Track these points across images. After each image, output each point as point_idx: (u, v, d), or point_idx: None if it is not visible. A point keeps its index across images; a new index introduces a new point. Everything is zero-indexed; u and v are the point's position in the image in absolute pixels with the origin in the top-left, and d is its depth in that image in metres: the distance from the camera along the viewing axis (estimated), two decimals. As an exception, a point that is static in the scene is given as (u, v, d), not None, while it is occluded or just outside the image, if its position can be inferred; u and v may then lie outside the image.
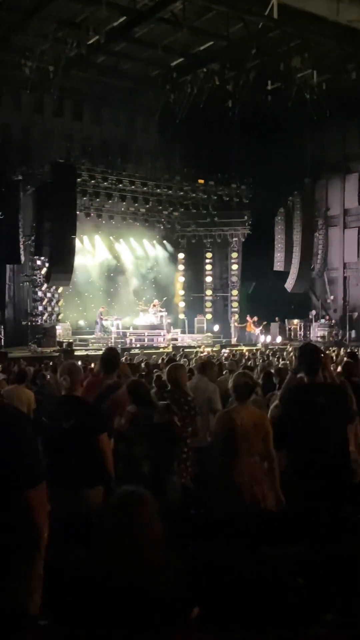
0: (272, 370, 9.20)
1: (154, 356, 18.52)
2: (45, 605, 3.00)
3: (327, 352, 13.89)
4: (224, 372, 10.23)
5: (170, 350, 21.94)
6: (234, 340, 26.60)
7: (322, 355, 4.84)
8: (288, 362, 12.87)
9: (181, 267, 30.11)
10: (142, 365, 12.96)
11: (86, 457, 4.43)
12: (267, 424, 4.70)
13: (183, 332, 27.26)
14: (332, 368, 5.65)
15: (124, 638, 2.32)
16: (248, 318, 27.20)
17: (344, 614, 2.68)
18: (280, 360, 15.61)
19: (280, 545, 3.58)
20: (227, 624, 2.44)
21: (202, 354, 18.67)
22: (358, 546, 3.63)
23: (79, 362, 11.48)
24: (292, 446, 4.59)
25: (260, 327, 26.87)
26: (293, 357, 11.63)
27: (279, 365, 11.10)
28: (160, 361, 14.63)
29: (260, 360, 15.93)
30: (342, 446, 4.51)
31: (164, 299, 28.00)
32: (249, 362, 14.82)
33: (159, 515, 2.48)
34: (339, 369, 7.64)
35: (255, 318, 27.07)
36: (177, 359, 14.87)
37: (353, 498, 4.42)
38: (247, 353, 19.89)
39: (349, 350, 14.93)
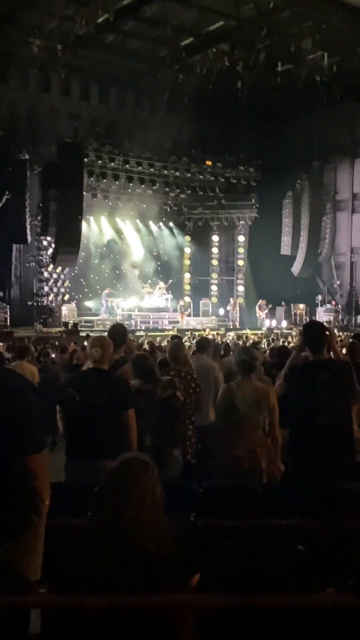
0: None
1: (158, 338, 18.54)
2: (46, 573, 3.02)
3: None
4: (230, 353, 10.24)
5: (175, 332, 21.96)
6: (232, 324, 26.51)
7: (327, 332, 4.82)
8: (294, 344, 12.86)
9: (187, 249, 30.03)
10: (145, 345, 12.96)
11: (111, 430, 4.45)
12: (270, 398, 4.70)
13: (188, 315, 27.29)
14: (337, 347, 5.62)
15: (126, 602, 2.33)
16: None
17: (345, 589, 2.68)
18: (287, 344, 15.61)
19: (279, 517, 3.59)
20: (227, 589, 2.45)
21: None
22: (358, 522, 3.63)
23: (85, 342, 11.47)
24: (294, 422, 4.59)
25: (266, 311, 26.83)
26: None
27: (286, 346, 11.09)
28: (165, 342, 14.65)
29: (266, 344, 15.96)
30: (345, 422, 4.50)
31: (170, 281, 28.00)
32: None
33: (159, 482, 2.49)
34: (344, 350, 7.62)
35: (261, 302, 27.03)
36: (184, 341, 14.88)
37: (354, 474, 4.41)
38: (253, 337, 19.92)
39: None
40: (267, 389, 4.88)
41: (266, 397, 4.68)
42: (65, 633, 2.40)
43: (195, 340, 10.04)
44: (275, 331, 23.81)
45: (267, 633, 2.43)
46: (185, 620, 2.31)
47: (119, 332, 5.88)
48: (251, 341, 17.03)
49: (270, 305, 26.84)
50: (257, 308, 27.15)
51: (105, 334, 5.81)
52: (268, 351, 10.39)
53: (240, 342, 15.69)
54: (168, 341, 15.10)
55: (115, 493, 2.43)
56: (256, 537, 3.15)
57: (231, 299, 28.48)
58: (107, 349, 4.68)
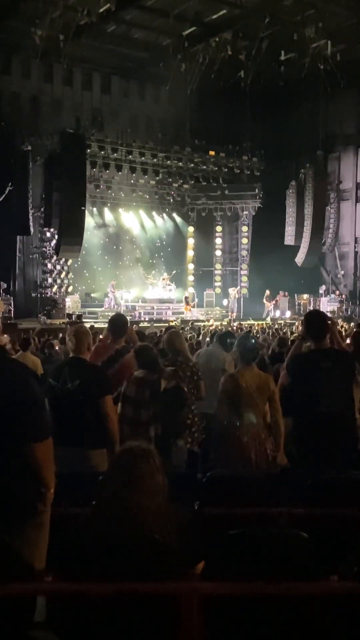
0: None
1: (162, 329, 18.51)
2: (51, 561, 3.03)
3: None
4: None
5: (179, 323, 21.94)
6: (230, 315, 26.36)
7: (329, 322, 4.82)
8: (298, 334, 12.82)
9: (191, 240, 29.95)
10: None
11: (90, 418, 4.46)
12: (272, 385, 4.72)
13: (193, 306, 27.23)
14: (339, 336, 5.62)
15: (130, 590, 2.34)
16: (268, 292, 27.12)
17: (349, 576, 2.69)
18: (290, 334, 15.60)
19: (283, 505, 3.60)
20: (232, 577, 2.46)
21: (210, 328, 18.65)
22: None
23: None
24: (297, 410, 4.60)
25: (273, 302, 26.75)
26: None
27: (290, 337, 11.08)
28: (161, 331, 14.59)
29: (270, 334, 15.94)
30: (347, 410, 4.51)
31: (173, 272, 27.95)
32: (257, 336, 14.82)
33: (162, 469, 2.50)
34: (348, 340, 7.61)
35: (268, 292, 26.96)
36: (185, 330, 14.86)
37: (357, 462, 4.42)
38: (256, 327, 19.89)
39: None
40: (268, 376, 4.90)
41: (267, 384, 4.71)
42: (70, 621, 2.41)
43: (219, 331, 9.96)
44: (278, 321, 23.77)
45: (271, 620, 2.44)
46: (190, 608, 2.32)
47: (119, 322, 5.89)
48: (254, 330, 17.02)
49: (282, 293, 26.74)
50: (264, 299, 27.00)
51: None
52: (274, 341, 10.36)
53: (242, 331, 15.67)
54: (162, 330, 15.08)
55: (116, 481, 2.44)
56: (260, 525, 3.16)
57: (231, 289, 28.25)
58: (81, 338, 4.64)
